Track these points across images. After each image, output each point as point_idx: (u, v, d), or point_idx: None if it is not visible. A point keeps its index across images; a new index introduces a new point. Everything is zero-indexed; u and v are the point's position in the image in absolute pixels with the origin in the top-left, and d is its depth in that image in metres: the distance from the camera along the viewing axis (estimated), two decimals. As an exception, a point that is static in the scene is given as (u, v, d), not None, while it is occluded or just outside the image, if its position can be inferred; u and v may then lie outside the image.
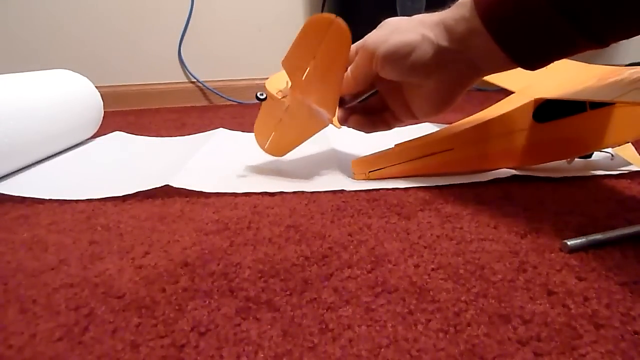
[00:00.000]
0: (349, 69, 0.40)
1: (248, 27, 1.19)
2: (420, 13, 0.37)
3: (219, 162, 0.55)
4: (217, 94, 1.19)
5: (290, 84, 0.44)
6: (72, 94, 0.63)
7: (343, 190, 0.44)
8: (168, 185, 0.44)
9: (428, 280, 0.28)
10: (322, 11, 1.15)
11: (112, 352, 0.22)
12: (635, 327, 0.23)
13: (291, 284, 0.28)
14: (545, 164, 0.47)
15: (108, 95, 0.84)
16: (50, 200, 0.44)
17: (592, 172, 0.47)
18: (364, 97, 0.43)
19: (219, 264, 0.31)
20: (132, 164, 0.56)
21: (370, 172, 0.47)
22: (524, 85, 0.49)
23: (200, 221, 0.38)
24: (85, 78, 0.69)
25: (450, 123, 0.48)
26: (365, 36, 0.38)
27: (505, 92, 0.50)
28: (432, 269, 0.29)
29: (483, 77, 0.37)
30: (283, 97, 0.45)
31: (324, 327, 0.24)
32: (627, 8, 0.28)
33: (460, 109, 0.45)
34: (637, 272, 0.28)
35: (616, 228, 0.32)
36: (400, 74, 0.37)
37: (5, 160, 0.49)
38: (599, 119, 0.44)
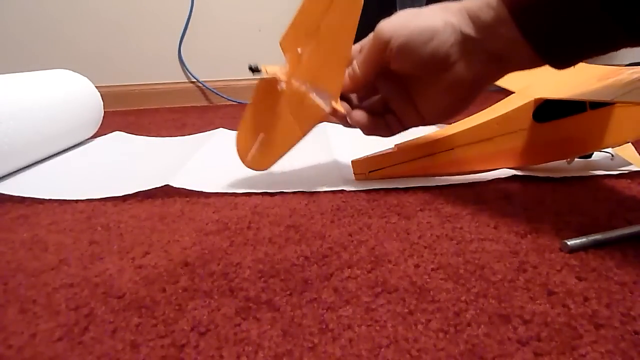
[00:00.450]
0: (354, 61, 0.37)
1: (248, 27, 1.19)
2: None
3: (219, 162, 0.55)
4: (217, 94, 1.19)
5: (283, 70, 0.40)
6: (72, 94, 0.63)
7: (343, 190, 0.44)
8: (168, 185, 0.44)
9: (428, 280, 0.28)
10: (322, 11, 1.15)
11: (112, 352, 0.22)
12: (635, 327, 0.23)
13: (291, 284, 0.28)
14: (545, 164, 0.47)
15: (108, 95, 0.84)
16: (50, 200, 0.44)
17: (592, 172, 0.47)
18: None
19: (219, 264, 0.31)
20: (132, 164, 0.56)
21: (370, 172, 0.47)
22: (524, 85, 0.49)
23: (200, 221, 0.38)
24: (85, 78, 0.69)
25: (450, 123, 0.49)
26: (377, 26, 0.35)
27: (505, 92, 0.50)
28: (432, 269, 0.29)
29: (505, 74, 0.34)
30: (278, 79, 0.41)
31: (324, 327, 0.24)
32: None
33: (460, 109, 0.45)
34: (637, 272, 0.28)
35: (616, 228, 0.32)
36: (418, 64, 0.34)
37: (5, 160, 0.49)
38: (599, 119, 0.44)
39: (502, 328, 0.23)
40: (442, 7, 0.33)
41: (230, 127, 0.73)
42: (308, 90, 0.39)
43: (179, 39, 1.17)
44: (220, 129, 0.72)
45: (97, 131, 0.71)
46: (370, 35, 0.36)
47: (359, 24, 0.37)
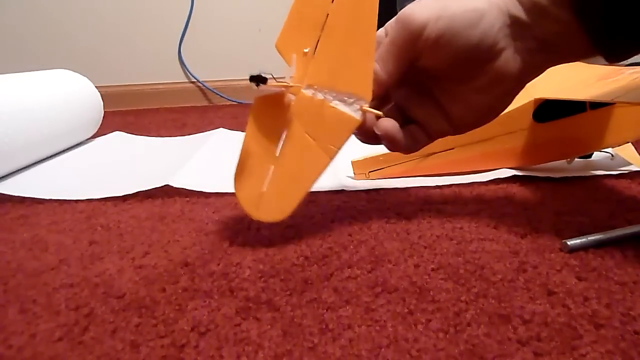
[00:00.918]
0: (375, 55, 0.30)
1: (248, 27, 1.19)
2: None
3: (219, 162, 0.55)
4: (217, 94, 1.19)
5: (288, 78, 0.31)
6: (72, 94, 0.63)
7: (343, 190, 0.44)
8: (168, 185, 0.44)
9: (428, 280, 0.28)
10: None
11: (112, 352, 0.22)
12: (635, 327, 0.23)
13: (291, 284, 0.28)
14: (545, 164, 0.47)
15: (108, 95, 0.84)
16: (50, 200, 0.44)
17: (592, 172, 0.47)
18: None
19: (219, 264, 0.31)
20: (132, 164, 0.56)
21: (370, 172, 0.47)
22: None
23: (200, 221, 0.38)
24: (85, 78, 0.69)
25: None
26: (402, 12, 0.29)
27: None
28: (432, 269, 0.29)
29: (551, 65, 0.30)
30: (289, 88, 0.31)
31: (324, 327, 0.24)
32: None
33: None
34: (637, 272, 0.28)
35: (616, 228, 0.32)
36: (460, 55, 0.28)
37: (5, 160, 0.49)
38: (599, 119, 0.44)
39: (502, 328, 0.23)
40: None
41: (230, 127, 0.73)
42: (327, 98, 0.30)
43: (179, 39, 1.17)
44: (220, 129, 0.72)
45: (97, 131, 0.71)
46: (393, 23, 0.30)
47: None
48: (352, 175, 0.47)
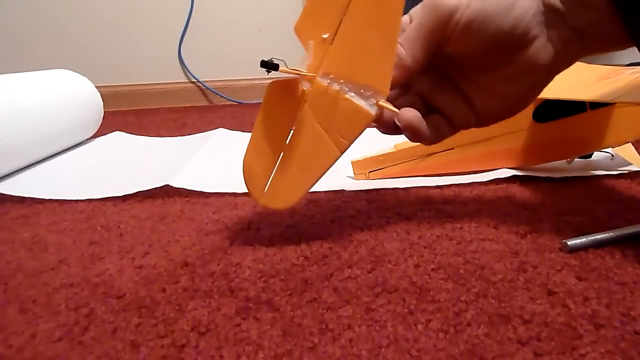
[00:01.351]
0: (400, 39, 0.28)
1: (248, 27, 1.19)
2: None
3: (219, 162, 0.55)
4: (217, 94, 1.19)
5: (304, 65, 0.30)
6: (72, 94, 0.63)
7: (343, 190, 0.44)
8: (168, 185, 0.44)
9: (428, 280, 0.28)
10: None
11: (112, 352, 0.22)
12: (635, 327, 0.23)
13: (291, 284, 0.28)
14: (545, 164, 0.47)
15: (108, 95, 0.84)
16: (50, 200, 0.44)
17: (592, 172, 0.47)
18: None
19: (219, 264, 0.31)
20: (132, 164, 0.56)
21: (370, 172, 0.47)
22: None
23: (200, 221, 0.38)
24: (85, 78, 0.69)
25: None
26: None
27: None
28: (432, 269, 0.29)
29: (584, 56, 0.29)
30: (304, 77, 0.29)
31: (324, 327, 0.24)
32: None
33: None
34: (637, 272, 0.28)
35: (616, 228, 0.32)
36: (491, 41, 0.27)
37: (5, 160, 0.49)
38: (599, 119, 0.44)
39: (502, 328, 0.23)
40: None
41: (230, 127, 0.73)
42: (343, 89, 0.28)
43: (179, 39, 1.17)
44: (220, 129, 0.72)
45: (97, 131, 0.71)
46: (419, 8, 0.28)
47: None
48: (352, 175, 0.47)
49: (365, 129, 0.29)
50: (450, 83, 0.30)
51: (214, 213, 0.40)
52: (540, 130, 0.45)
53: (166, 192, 0.44)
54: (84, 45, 1.14)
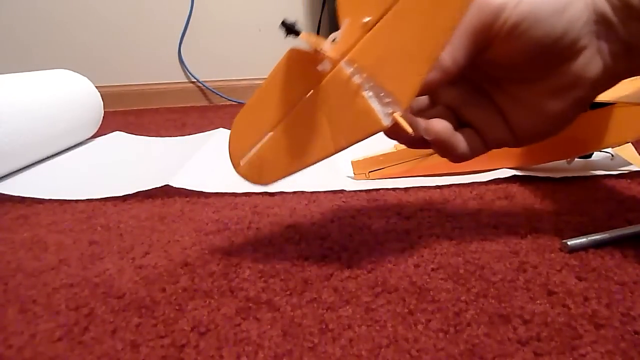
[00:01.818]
0: None
1: (248, 27, 1.19)
2: None
3: (219, 162, 0.55)
4: (217, 94, 1.19)
5: (331, 43, 0.25)
6: (72, 94, 0.63)
7: (343, 190, 0.44)
8: (168, 185, 0.44)
9: (428, 280, 0.28)
10: (322, 11, 1.16)
11: (112, 352, 0.22)
12: (635, 327, 0.23)
13: (291, 284, 0.28)
14: (545, 164, 0.47)
15: (108, 95, 0.84)
16: (50, 200, 0.44)
17: (592, 172, 0.47)
18: None
19: (219, 264, 0.31)
20: (132, 164, 0.56)
21: (370, 172, 0.47)
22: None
23: (200, 221, 0.38)
24: (85, 78, 0.69)
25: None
26: None
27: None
28: (432, 269, 0.29)
29: (632, 75, 0.26)
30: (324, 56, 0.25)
31: (324, 327, 0.24)
32: None
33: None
34: (637, 272, 0.28)
35: (616, 228, 0.32)
36: (538, 47, 0.24)
37: (5, 160, 0.49)
38: (599, 119, 0.44)
39: (502, 328, 0.23)
40: None
41: (230, 127, 0.73)
42: (363, 85, 0.25)
43: (179, 39, 1.17)
44: (220, 129, 0.72)
45: (97, 131, 0.71)
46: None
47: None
48: (352, 175, 0.47)
49: (369, 137, 0.26)
50: (484, 96, 0.27)
51: (214, 213, 0.40)
52: (540, 130, 0.45)
53: (166, 192, 0.44)
54: (84, 45, 1.14)
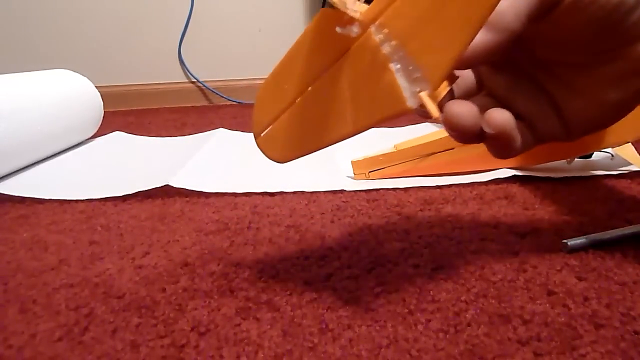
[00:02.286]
0: None
1: (248, 27, 1.19)
2: None
3: (219, 162, 0.55)
4: (217, 94, 1.19)
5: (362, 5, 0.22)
6: (72, 94, 0.63)
7: (343, 190, 0.44)
8: (168, 185, 0.44)
9: (428, 280, 0.28)
10: (322, 11, 1.16)
11: (112, 352, 0.22)
12: (635, 327, 0.23)
13: (291, 284, 0.28)
14: (545, 164, 0.47)
15: (108, 95, 0.84)
16: (50, 200, 0.44)
17: (592, 172, 0.47)
18: None
19: (219, 264, 0.31)
20: (132, 164, 0.56)
21: (370, 172, 0.47)
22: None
23: (200, 221, 0.38)
24: (85, 78, 0.69)
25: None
26: None
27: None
28: (432, 269, 0.29)
29: None
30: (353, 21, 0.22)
31: (324, 327, 0.24)
32: None
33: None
34: (637, 272, 0.28)
35: (616, 228, 0.32)
36: (605, 22, 0.21)
37: (5, 160, 0.49)
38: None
39: (502, 328, 0.23)
40: None
41: (230, 127, 0.73)
42: (391, 56, 0.21)
43: (179, 39, 1.17)
44: (220, 129, 0.72)
45: (97, 131, 0.71)
46: None
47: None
48: (352, 175, 0.47)
49: (392, 118, 0.23)
50: (534, 84, 0.24)
51: (214, 213, 0.40)
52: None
53: (166, 192, 0.44)
54: (84, 45, 1.14)
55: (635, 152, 0.49)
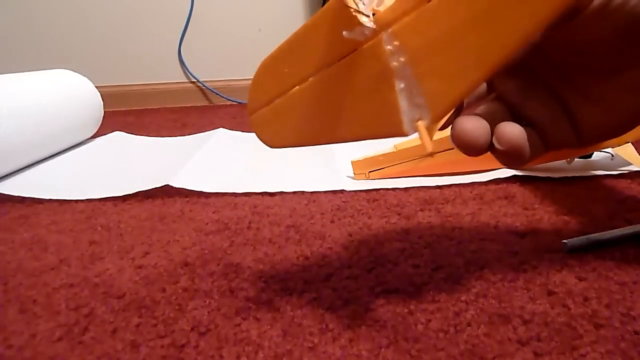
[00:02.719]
0: None
1: (248, 27, 1.19)
2: None
3: (219, 162, 0.55)
4: (217, 94, 1.19)
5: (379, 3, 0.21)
6: (72, 94, 0.63)
7: (343, 190, 0.44)
8: (168, 185, 0.44)
9: (428, 280, 0.28)
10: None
11: (112, 352, 0.22)
12: (635, 327, 0.23)
13: (291, 284, 0.28)
14: (545, 164, 0.47)
15: (108, 95, 0.84)
16: (50, 200, 0.44)
17: (592, 172, 0.47)
18: None
19: (219, 264, 0.31)
20: (132, 164, 0.56)
21: (370, 172, 0.47)
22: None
23: (200, 221, 0.38)
24: (85, 78, 0.69)
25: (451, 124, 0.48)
26: None
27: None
28: (432, 269, 0.29)
29: None
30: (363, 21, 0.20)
31: (324, 327, 0.24)
32: None
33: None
34: (637, 272, 0.28)
35: (616, 228, 0.32)
36: (631, 26, 0.19)
37: (5, 160, 0.49)
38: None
39: (502, 328, 0.23)
40: None
41: (230, 127, 0.73)
42: (398, 73, 0.20)
43: (179, 39, 1.17)
44: (220, 129, 0.72)
45: (97, 131, 0.71)
46: None
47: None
48: (352, 175, 0.47)
49: (385, 137, 0.22)
50: (547, 89, 0.23)
51: (214, 213, 0.40)
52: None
53: (166, 192, 0.44)
54: (84, 45, 1.14)
55: (635, 152, 0.49)
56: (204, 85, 1.20)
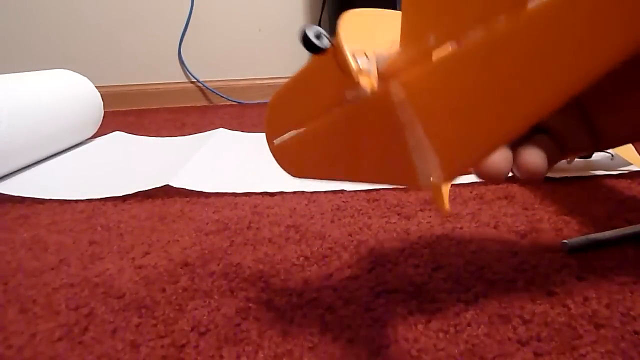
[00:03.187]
0: None
1: (248, 27, 1.19)
2: None
3: (219, 162, 0.55)
4: (217, 94, 1.19)
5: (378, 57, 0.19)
6: (72, 94, 0.63)
7: (343, 190, 0.44)
8: (168, 185, 0.44)
9: (428, 280, 0.28)
10: (322, 11, 1.16)
11: (112, 352, 0.22)
12: (635, 327, 0.23)
13: (291, 284, 0.28)
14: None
15: (108, 95, 0.84)
16: (50, 200, 0.44)
17: (592, 172, 0.47)
18: None
19: (219, 264, 0.31)
20: (132, 164, 0.56)
21: (370, 172, 0.47)
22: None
23: (200, 221, 0.38)
24: (85, 78, 0.69)
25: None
26: None
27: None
28: (432, 269, 0.29)
29: None
30: (361, 75, 0.19)
31: (324, 327, 0.24)
32: None
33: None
34: (637, 272, 0.28)
35: (616, 228, 0.32)
36: None
37: (5, 160, 0.49)
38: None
39: (502, 328, 0.23)
40: None
41: (230, 127, 0.73)
42: (408, 127, 0.18)
43: (179, 39, 1.17)
44: (220, 129, 0.72)
45: (97, 131, 0.71)
46: None
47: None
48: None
49: (394, 184, 0.21)
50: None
51: (214, 213, 0.40)
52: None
53: (166, 192, 0.44)
54: (84, 45, 1.14)
55: (635, 152, 0.49)
56: (203, 85, 1.20)
